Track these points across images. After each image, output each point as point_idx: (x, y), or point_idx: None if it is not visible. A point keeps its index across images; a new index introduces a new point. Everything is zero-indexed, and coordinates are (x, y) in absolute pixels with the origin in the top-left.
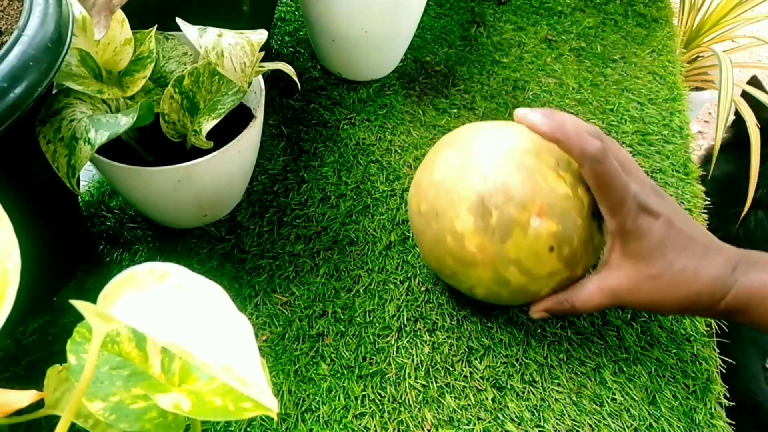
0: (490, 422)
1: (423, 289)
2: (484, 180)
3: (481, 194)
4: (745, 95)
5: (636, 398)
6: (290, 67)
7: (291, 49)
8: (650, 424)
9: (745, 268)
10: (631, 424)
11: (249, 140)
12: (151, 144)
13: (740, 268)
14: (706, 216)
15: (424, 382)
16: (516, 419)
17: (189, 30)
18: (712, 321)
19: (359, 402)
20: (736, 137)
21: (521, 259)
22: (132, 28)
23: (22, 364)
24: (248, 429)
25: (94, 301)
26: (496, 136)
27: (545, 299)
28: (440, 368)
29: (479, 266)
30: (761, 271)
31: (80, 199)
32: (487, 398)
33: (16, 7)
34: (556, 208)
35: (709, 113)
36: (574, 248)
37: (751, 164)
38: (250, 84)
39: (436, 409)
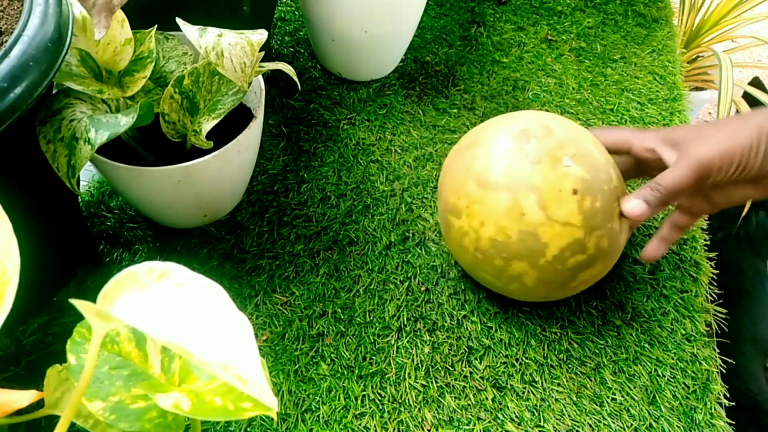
0: (490, 422)
1: (423, 289)
2: (529, 122)
3: (524, 128)
4: (746, 96)
5: (636, 398)
6: (290, 67)
7: (291, 49)
8: (650, 424)
9: None
10: (631, 424)
11: (249, 140)
12: (151, 144)
13: None
14: (706, 216)
15: (424, 382)
16: (516, 419)
17: (189, 30)
18: (712, 321)
19: (359, 402)
20: None
21: (543, 190)
22: (132, 28)
23: (22, 364)
24: (248, 429)
25: (94, 300)
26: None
27: (635, 192)
28: (440, 368)
29: (501, 189)
30: None
31: (80, 199)
32: (487, 398)
33: (16, 7)
34: (591, 161)
35: (709, 113)
36: (595, 208)
37: None
38: (250, 84)
39: (436, 409)
